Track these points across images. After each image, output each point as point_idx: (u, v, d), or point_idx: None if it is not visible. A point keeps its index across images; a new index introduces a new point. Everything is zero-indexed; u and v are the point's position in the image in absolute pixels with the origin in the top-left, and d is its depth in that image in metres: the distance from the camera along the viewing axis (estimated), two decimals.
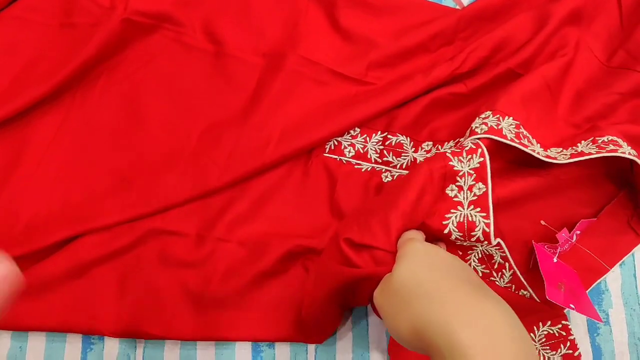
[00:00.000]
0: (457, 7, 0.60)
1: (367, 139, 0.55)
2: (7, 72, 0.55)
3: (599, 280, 0.52)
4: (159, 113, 0.56)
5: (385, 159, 0.55)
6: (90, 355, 0.51)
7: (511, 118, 0.48)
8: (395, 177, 0.54)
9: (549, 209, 0.53)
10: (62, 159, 0.54)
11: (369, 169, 0.55)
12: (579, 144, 0.49)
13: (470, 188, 0.45)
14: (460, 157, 0.45)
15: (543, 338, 0.48)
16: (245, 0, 0.58)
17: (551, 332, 0.48)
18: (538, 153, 0.47)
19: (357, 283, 0.43)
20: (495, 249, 0.48)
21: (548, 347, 0.48)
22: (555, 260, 0.49)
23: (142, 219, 0.51)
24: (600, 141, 0.47)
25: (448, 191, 0.46)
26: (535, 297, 0.48)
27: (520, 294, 0.48)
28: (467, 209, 0.45)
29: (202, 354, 0.51)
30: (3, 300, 0.31)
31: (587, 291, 0.51)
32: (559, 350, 0.48)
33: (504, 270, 0.49)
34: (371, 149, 0.55)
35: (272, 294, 0.50)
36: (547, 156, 0.47)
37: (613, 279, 0.52)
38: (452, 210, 0.45)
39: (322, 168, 0.55)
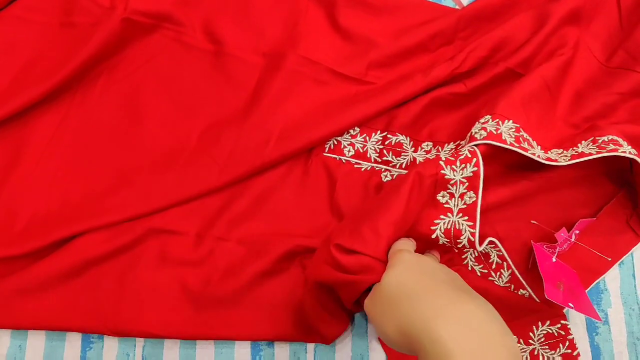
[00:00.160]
0: (457, 7, 0.60)
1: (367, 138, 0.55)
2: (6, 71, 0.55)
3: (598, 280, 0.52)
4: (158, 112, 0.56)
5: (384, 158, 0.55)
6: (90, 354, 0.51)
7: (511, 121, 0.48)
8: (394, 176, 0.54)
9: (548, 210, 0.53)
10: (62, 157, 0.54)
11: (368, 169, 0.55)
12: (579, 145, 0.49)
13: (461, 196, 0.45)
14: (454, 166, 0.46)
15: (542, 337, 0.48)
16: (245, 0, 0.58)
17: (550, 331, 0.48)
18: (538, 156, 0.47)
19: (341, 286, 0.43)
20: (491, 248, 0.49)
21: (547, 347, 0.48)
22: (554, 260, 0.50)
23: (142, 218, 0.51)
24: (600, 141, 0.48)
25: (439, 197, 0.46)
26: (535, 297, 0.48)
27: (519, 293, 0.48)
28: (456, 216, 0.45)
29: (201, 352, 0.51)
30: None
31: (586, 291, 0.51)
32: (558, 350, 0.48)
33: (502, 270, 0.49)
34: (371, 149, 0.55)
35: (272, 293, 0.50)
36: (548, 159, 0.47)
37: (612, 279, 0.52)
38: (441, 217, 0.45)
39: (321, 167, 0.55)
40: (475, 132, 0.48)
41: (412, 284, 0.36)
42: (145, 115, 0.56)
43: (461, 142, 0.53)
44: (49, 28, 0.57)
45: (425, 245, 0.48)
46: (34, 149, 0.54)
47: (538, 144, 0.49)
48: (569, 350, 0.47)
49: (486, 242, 0.46)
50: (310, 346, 0.51)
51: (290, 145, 0.53)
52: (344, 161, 0.55)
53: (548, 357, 0.48)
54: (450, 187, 0.46)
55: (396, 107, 0.55)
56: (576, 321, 0.51)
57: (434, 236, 0.45)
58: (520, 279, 0.48)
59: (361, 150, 0.55)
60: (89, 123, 0.55)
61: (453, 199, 0.46)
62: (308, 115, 0.55)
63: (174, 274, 0.50)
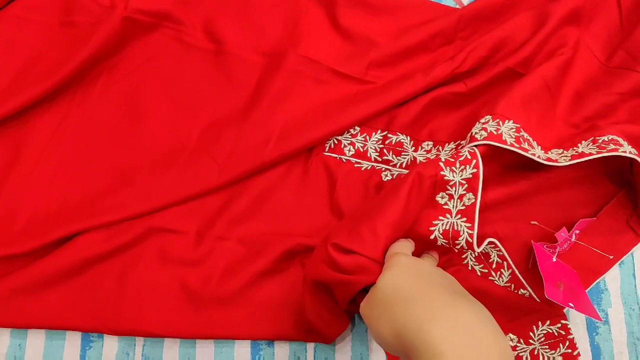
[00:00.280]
0: (457, 6, 0.60)
1: (367, 137, 0.55)
2: (6, 71, 0.55)
3: (598, 280, 0.52)
4: (158, 111, 0.56)
5: (385, 157, 0.55)
6: (90, 353, 0.51)
7: (511, 121, 0.48)
8: (395, 176, 0.54)
9: (548, 210, 0.53)
10: (62, 156, 0.54)
11: (368, 168, 0.55)
12: (579, 145, 0.49)
13: (460, 197, 0.45)
14: (453, 167, 0.45)
15: (542, 337, 0.48)
16: None
17: (550, 331, 0.48)
18: (539, 157, 0.47)
19: (336, 285, 0.44)
20: (491, 248, 0.48)
21: (547, 347, 0.48)
22: (554, 259, 0.50)
23: (142, 217, 0.51)
24: (600, 141, 0.48)
25: (438, 198, 0.46)
26: (535, 297, 0.48)
27: (519, 293, 0.48)
28: (455, 217, 0.45)
29: (201, 352, 0.51)
30: None
31: (586, 290, 0.51)
32: (558, 350, 0.48)
33: (502, 269, 0.49)
34: (371, 148, 0.55)
35: (272, 292, 0.50)
36: (548, 159, 0.47)
37: (612, 279, 0.52)
38: (440, 217, 0.45)
39: (321, 167, 0.55)
40: (476, 133, 0.48)
41: (408, 287, 0.36)
42: (145, 115, 0.56)
43: (461, 142, 0.52)
44: (48, 27, 0.57)
45: (424, 246, 0.48)
46: (34, 148, 0.54)
47: (538, 144, 0.49)
48: (569, 350, 0.47)
49: (485, 242, 0.46)
50: (310, 346, 0.51)
51: (291, 144, 0.53)
52: (344, 160, 0.55)
53: (548, 357, 0.47)
54: (449, 188, 0.46)
55: (396, 106, 0.55)
56: (576, 321, 0.51)
57: (432, 237, 0.45)
58: (521, 278, 0.48)
59: (361, 150, 0.55)
60: (89, 122, 0.55)
61: (452, 200, 0.46)
62: (308, 114, 0.55)
63: (174, 273, 0.50)
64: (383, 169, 0.55)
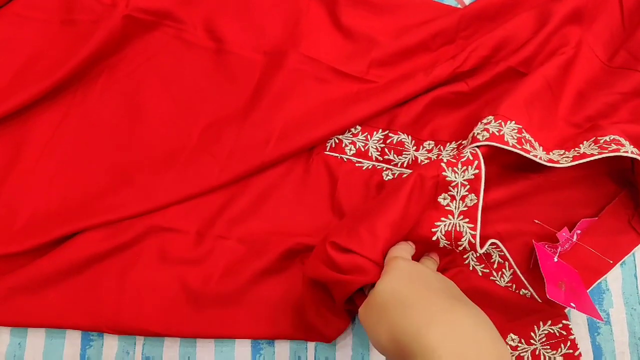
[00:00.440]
0: (459, 5, 0.60)
1: (368, 137, 0.55)
2: (7, 69, 0.55)
3: (599, 280, 0.52)
4: (159, 110, 0.56)
5: (386, 157, 0.55)
6: (90, 352, 0.51)
7: (513, 122, 0.48)
8: (396, 175, 0.54)
9: (549, 210, 0.53)
10: (62, 155, 0.54)
11: (369, 167, 0.55)
12: (581, 145, 0.49)
13: (462, 198, 0.45)
14: (455, 168, 0.45)
15: (543, 337, 0.48)
16: None
17: (552, 331, 0.48)
18: (540, 158, 0.47)
19: (332, 284, 0.44)
20: (493, 248, 0.48)
21: (548, 347, 0.48)
22: (555, 259, 0.49)
23: (142, 216, 0.51)
24: (602, 141, 0.47)
25: (440, 199, 0.46)
26: (536, 297, 0.48)
27: (520, 293, 0.48)
28: (457, 218, 0.45)
29: (201, 351, 0.51)
30: None
31: (587, 291, 0.51)
32: (559, 350, 0.47)
33: (504, 269, 0.49)
34: (372, 147, 0.55)
35: (272, 291, 0.50)
36: (550, 160, 0.47)
37: (614, 279, 0.52)
38: (442, 219, 0.45)
39: (322, 166, 0.55)
40: (478, 133, 0.48)
41: (406, 292, 0.36)
42: (145, 114, 0.56)
43: (463, 142, 0.52)
44: (49, 26, 0.57)
45: (425, 247, 0.48)
46: (34, 147, 0.54)
47: (540, 145, 0.49)
48: (571, 351, 0.47)
49: (488, 244, 0.46)
50: (311, 345, 0.51)
51: (291, 143, 0.53)
52: (345, 160, 0.55)
53: (549, 357, 0.47)
54: (451, 189, 0.45)
55: (398, 106, 0.55)
56: (578, 321, 0.51)
57: (434, 238, 0.45)
58: (522, 278, 0.48)
59: (362, 149, 0.55)
60: (89, 121, 0.55)
61: (454, 201, 0.45)
62: (309, 113, 0.54)
63: (174, 273, 0.50)
64: (384, 168, 0.55)
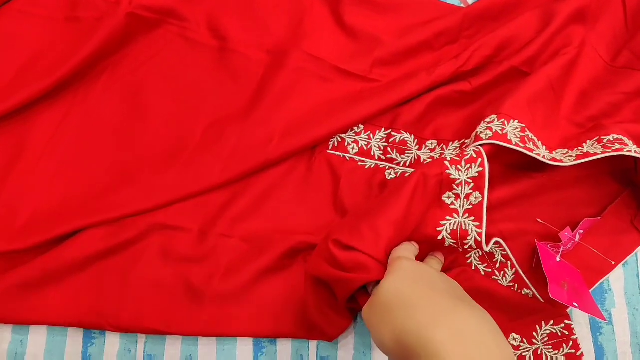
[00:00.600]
0: (462, 5, 0.60)
1: (371, 135, 0.55)
2: (10, 66, 0.55)
3: (602, 280, 0.52)
4: (162, 108, 0.56)
5: (389, 156, 0.55)
6: (92, 350, 0.51)
7: (516, 121, 0.48)
8: (398, 174, 0.54)
9: (552, 209, 0.53)
10: (64, 153, 0.54)
11: (372, 166, 0.55)
12: (584, 144, 0.49)
13: (467, 196, 0.45)
14: (459, 166, 0.45)
15: (546, 337, 0.48)
16: None
17: (554, 331, 0.48)
18: (544, 157, 0.47)
19: (334, 282, 0.44)
20: (496, 248, 0.48)
21: (550, 347, 0.48)
22: (558, 259, 0.49)
23: (145, 214, 0.51)
24: (605, 140, 0.47)
25: (445, 198, 0.46)
26: (539, 296, 0.48)
27: (523, 293, 0.48)
28: (462, 217, 0.45)
29: (203, 349, 0.51)
30: None
31: (590, 290, 0.51)
32: (561, 350, 0.47)
33: (506, 269, 0.49)
34: (375, 146, 0.55)
35: (274, 290, 0.50)
36: (553, 159, 0.47)
37: (616, 279, 0.52)
38: (447, 218, 0.45)
39: (325, 165, 0.54)
40: (481, 132, 0.48)
41: (409, 292, 0.36)
42: (148, 112, 0.56)
43: (466, 141, 0.52)
44: (52, 23, 0.57)
45: (430, 247, 0.48)
46: (36, 145, 0.54)
47: (543, 144, 0.49)
48: (573, 350, 0.47)
49: (492, 242, 0.46)
50: (313, 343, 0.51)
51: (294, 142, 0.53)
52: (347, 158, 0.55)
53: (552, 357, 0.47)
54: (455, 187, 0.45)
55: (401, 104, 0.55)
56: (580, 321, 0.51)
57: (440, 237, 0.45)
58: (524, 278, 0.48)
59: (365, 148, 0.55)
60: (91, 119, 0.55)
61: (459, 199, 0.45)
62: (312, 112, 0.54)
63: (176, 271, 0.50)
64: (387, 167, 0.55)
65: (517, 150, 0.46)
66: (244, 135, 0.53)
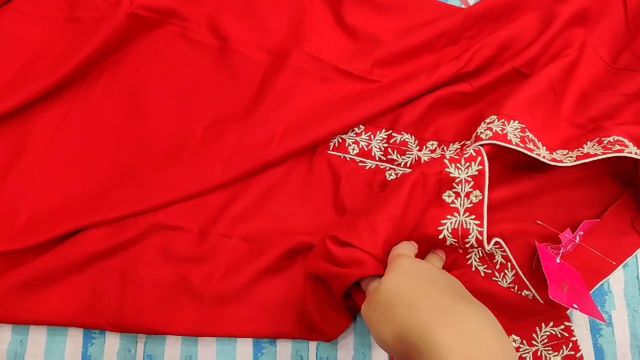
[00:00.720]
0: (463, 6, 0.60)
1: (372, 136, 0.55)
2: (10, 65, 0.55)
3: (602, 282, 0.52)
4: (162, 108, 0.56)
5: (389, 157, 0.55)
6: (91, 350, 0.51)
7: (516, 122, 0.48)
8: (399, 175, 0.54)
9: (552, 210, 0.53)
10: (64, 153, 0.54)
11: (372, 167, 0.55)
12: (584, 145, 0.49)
13: (467, 195, 0.45)
14: (458, 164, 0.45)
15: (545, 339, 0.48)
16: None
17: (553, 333, 0.48)
18: (544, 157, 0.47)
19: (331, 278, 0.44)
20: (496, 248, 0.48)
21: (550, 348, 0.48)
22: (558, 260, 0.49)
23: (145, 213, 0.51)
24: (606, 141, 0.47)
25: (445, 197, 0.46)
26: (538, 298, 0.48)
27: (523, 294, 0.48)
28: (463, 215, 0.45)
29: (203, 349, 0.51)
30: None
31: (590, 292, 0.51)
32: (561, 352, 0.48)
33: (506, 270, 0.49)
34: (375, 147, 0.55)
35: (274, 290, 0.50)
36: (553, 159, 0.47)
37: (616, 281, 0.52)
38: (448, 216, 0.45)
39: (325, 165, 0.54)
40: (481, 132, 0.48)
41: (411, 290, 0.36)
42: (148, 111, 0.56)
43: (466, 142, 0.52)
44: (52, 23, 0.57)
45: (431, 247, 0.48)
46: (36, 144, 0.54)
47: (543, 145, 0.49)
48: (572, 352, 0.47)
49: (492, 242, 0.46)
50: (313, 344, 0.51)
51: (294, 142, 0.53)
52: (348, 159, 0.55)
53: (551, 359, 0.47)
54: (455, 185, 0.45)
55: (401, 105, 0.55)
56: (580, 323, 0.51)
57: (441, 237, 0.45)
58: (524, 279, 0.48)
59: (366, 149, 0.55)
60: (92, 119, 0.55)
61: (459, 198, 0.45)
62: (312, 112, 0.54)
63: (176, 271, 0.50)
64: (387, 168, 0.54)
65: (518, 151, 0.46)
66: (245, 136, 0.53)
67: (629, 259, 0.52)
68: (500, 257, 0.49)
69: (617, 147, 0.46)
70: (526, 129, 0.48)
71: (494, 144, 0.46)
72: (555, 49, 0.55)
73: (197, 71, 0.57)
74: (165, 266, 0.50)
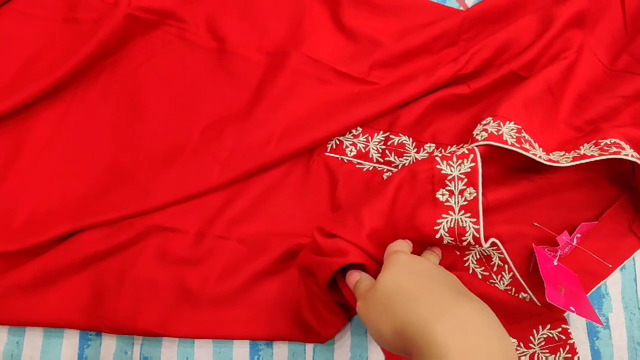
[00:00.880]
0: (461, 8, 0.60)
1: (369, 138, 0.55)
2: (9, 66, 0.55)
3: (599, 284, 0.51)
4: (160, 109, 0.56)
5: (387, 158, 0.55)
6: (88, 352, 0.51)
7: (512, 122, 0.48)
8: None
9: (550, 212, 0.53)
10: (62, 154, 0.54)
11: (370, 169, 0.54)
12: (581, 147, 0.49)
13: (461, 193, 0.45)
14: (450, 162, 0.45)
15: (542, 341, 0.48)
16: None
17: (551, 335, 0.48)
18: (540, 157, 0.46)
19: (315, 267, 0.44)
20: (493, 250, 0.48)
21: (547, 351, 0.48)
22: (555, 263, 0.49)
23: (142, 215, 0.51)
24: (602, 143, 0.47)
25: (439, 195, 0.45)
26: (535, 300, 0.48)
27: (520, 297, 0.48)
28: (458, 213, 0.45)
29: (199, 351, 0.51)
30: None
31: (587, 295, 0.51)
32: (558, 354, 0.47)
33: (503, 272, 0.49)
34: (373, 149, 0.55)
35: (271, 292, 0.50)
36: (550, 160, 0.47)
37: (613, 283, 0.52)
38: (443, 215, 0.45)
39: (323, 167, 0.54)
40: (477, 134, 0.48)
41: (408, 286, 0.36)
42: (146, 113, 0.56)
43: (464, 145, 0.52)
44: (51, 24, 0.57)
45: (427, 247, 0.48)
46: (34, 145, 0.54)
47: (540, 146, 0.49)
48: (570, 355, 0.47)
49: (490, 241, 0.46)
50: (309, 346, 0.51)
51: (292, 144, 0.53)
52: (345, 161, 0.55)
53: None
54: (448, 183, 0.45)
55: (399, 107, 0.55)
56: (577, 325, 0.51)
57: (438, 236, 0.44)
58: (522, 282, 0.48)
59: (363, 151, 0.55)
60: (90, 119, 0.55)
61: (453, 196, 0.45)
62: (310, 114, 0.54)
63: (173, 272, 0.50)
64: (385, 170, 0.54)
65: (515, 152, 0.46)
66: (242, 137, 0.53)
67: (626, 261, 0.52)
68: (497, 259, 0.49)
69: (614, 149, 0.46)
70: (522, 130, 0.48)
71: (490, 145, 0.46)
72: (554, 51, 0.55)
73: (195, 72, 0.57)
74: (162, 268, 0.50)
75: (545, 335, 0.48)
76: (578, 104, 0.55)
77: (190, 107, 0.56)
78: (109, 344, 0.51)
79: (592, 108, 0.55)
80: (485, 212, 0.48)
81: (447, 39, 0.57)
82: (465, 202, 0.44)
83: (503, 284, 0.49)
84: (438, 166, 0.45)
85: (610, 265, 0.51)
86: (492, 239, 0.46)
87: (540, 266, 0.47)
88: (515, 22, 0.56)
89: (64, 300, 0.49)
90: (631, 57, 0.56)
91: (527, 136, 0.48)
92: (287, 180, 0.54)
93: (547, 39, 0.54)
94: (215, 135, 0.54)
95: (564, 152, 0.49)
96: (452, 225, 0.44)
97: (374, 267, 0.43)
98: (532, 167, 0.51)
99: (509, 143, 0.46)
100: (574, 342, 0.47)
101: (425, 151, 0.55)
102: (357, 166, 0.55)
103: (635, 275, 0.52)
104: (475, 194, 0.44)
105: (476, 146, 0.46)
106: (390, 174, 0.54)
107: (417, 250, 0.47)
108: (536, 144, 0.49)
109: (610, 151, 0.46)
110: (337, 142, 0.55)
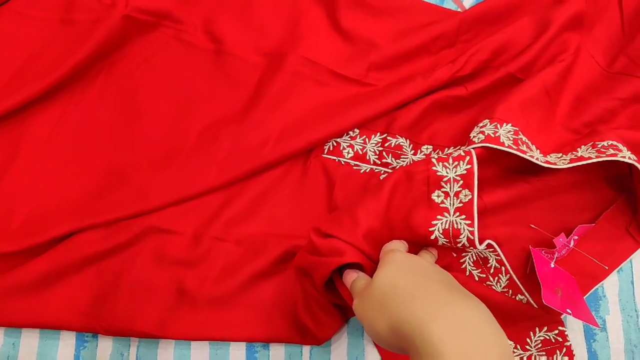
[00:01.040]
0: (459, 9, 0.60)
1: (366, 140, 0.55)
2: (6, 67, 0.55)
3: (596, 287, 0.51)
4: (157, 110, 0.56)
5: (384, 160, 0.55)
6: (84, 353, 0.50)
7: (509, 124, 0.48)
8: None
9: (547, 214, 0.53)
10: (59, 155, 0.54)
11: (367, 171, 0.54)
12: (578, 149, 0.49)
13: (456, 194, 0.45)
14: (446, 163, 0.45)
15: (539, 344, 0.48)
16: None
17: (547, 337, 0.48)
18: (537, 159, 0.46)
19: (311, 268, 0.44)
20: (490, 252, 0.48)
21: (544, 353, 0.48)
22: (552, 265, 0.49)
23: (139, 216, 0.51)
24: (600, 145, 0.47)
25: (434, 197, 0.45)
26: (532, 302, 0.48)
27: (517, 299, 0.48)
28: (453, 215, 0.45)
29: (196, 353, 0.50)
30: None
31: (584, 297, 0.51)
32: (555, 356, 0.47)
33: (500, 274, 0.49)
34: (370, 151, 0.55)
35: (268, 294, 0.50)
36: (547, 161, 0.47)
37: (610, 285, 0.52)
38: (438, 217, 0.45)
39: (320, 169, 0.54)
40: (474, 136, 0.48)
41: (405, 284, 0.36)
42: (143, 114, 0.55)
43: (461, 147, 0.52)
44: (49, 24, 0.57)
45: (421, 248, 0.48)
46: (31, 146, 0.54)
47: (537, 148, 0.49)
48: (566, 357, 0.47)
49: (485, 243, 0.46)
50: (306, 348, 0.51)
51: (289, 146, 0.53)
52: (342, 163, 0.55)
53: None
54: (444, 185, 0.45)
55: (396, 109, 0.55)
56: (574, 327, 0.51)
57: (433, 237, 0.44)
58: (519, 284, 0.48)
59: (360, 152, 0.55)
60: (87, 120, 0.55)
61: (448, 198, 0.45)
62: (308, 116, 0.54)
63: (170, 274, 0.50)
64: (382, 172, 0.54)
65: (512, 154, 0.46)
66: (240, 138, 0.53)
67: (623, 263, 0.52)
68: (494, 261, 0.49)
69: (611, 151, 0.46)
70: (519, 132, 0.48)
71: (487, 147, 0.46)
72: (551, 53, 0.55)
73: (193, 74, 0.57)
74: (159, 270, 0.50)
75: (542, 338, 0.48)
76: (575, 106, 0.55)
77: (187, 108, 0.56)
78: (105, 346, 0.51)
79: (589, 110, 0.55)
80: (482, 214, 0.48)
81: (445, 41, 0.57)
82: (461, 204, 0.45)
83: (500, 286, 0.49)
84: (434, 168, 0.45)
85: (607, 268, 0.51)
86: (487, 241, 0.46)
87: (537, 268, 0.47)
88: (512, 24, 0.56)
89: (60, 302, 0.49)
90: (629, 59, 0.56)
91: (524, 138, 0.48)
92: (284, 181, 0.54)
93: (545, 41, 0.54)
94: (212, 137, 0.54)
95: (561, 154, 0.49)
96: (446, 227, 0.44)
97: (371, 267, 0.44)
98: (529, 169, 0.51)
99: (506, 145, 0.46)
100: (570, 345, 0.47)
101: (423, 153, 0.55)
102: (355, 168, 0.54)
103: (633, 277, 0.52)
104: (470, 196, 0.44)
105: (473, 148, 0.46)
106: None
107: (413, 251, 0.47)
108: (533, 145, 0.49)
109: (607, 153, 0.46)
110: (335, 144, 0.55)
